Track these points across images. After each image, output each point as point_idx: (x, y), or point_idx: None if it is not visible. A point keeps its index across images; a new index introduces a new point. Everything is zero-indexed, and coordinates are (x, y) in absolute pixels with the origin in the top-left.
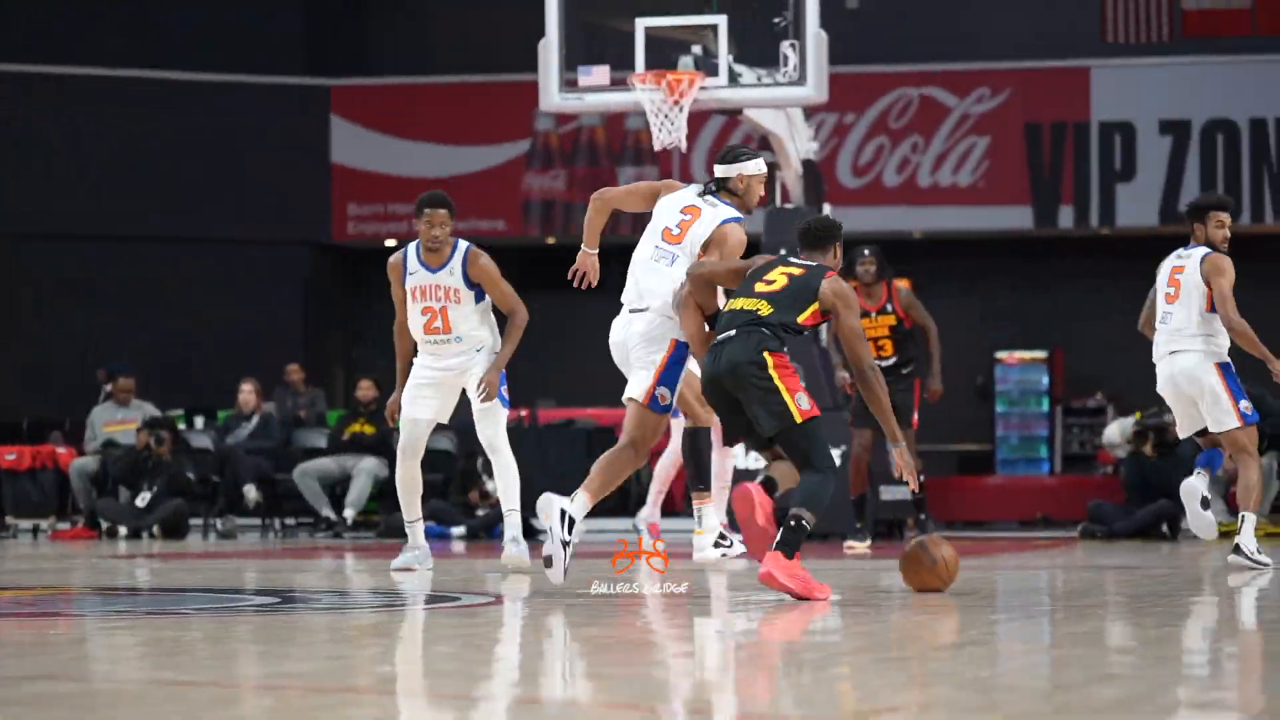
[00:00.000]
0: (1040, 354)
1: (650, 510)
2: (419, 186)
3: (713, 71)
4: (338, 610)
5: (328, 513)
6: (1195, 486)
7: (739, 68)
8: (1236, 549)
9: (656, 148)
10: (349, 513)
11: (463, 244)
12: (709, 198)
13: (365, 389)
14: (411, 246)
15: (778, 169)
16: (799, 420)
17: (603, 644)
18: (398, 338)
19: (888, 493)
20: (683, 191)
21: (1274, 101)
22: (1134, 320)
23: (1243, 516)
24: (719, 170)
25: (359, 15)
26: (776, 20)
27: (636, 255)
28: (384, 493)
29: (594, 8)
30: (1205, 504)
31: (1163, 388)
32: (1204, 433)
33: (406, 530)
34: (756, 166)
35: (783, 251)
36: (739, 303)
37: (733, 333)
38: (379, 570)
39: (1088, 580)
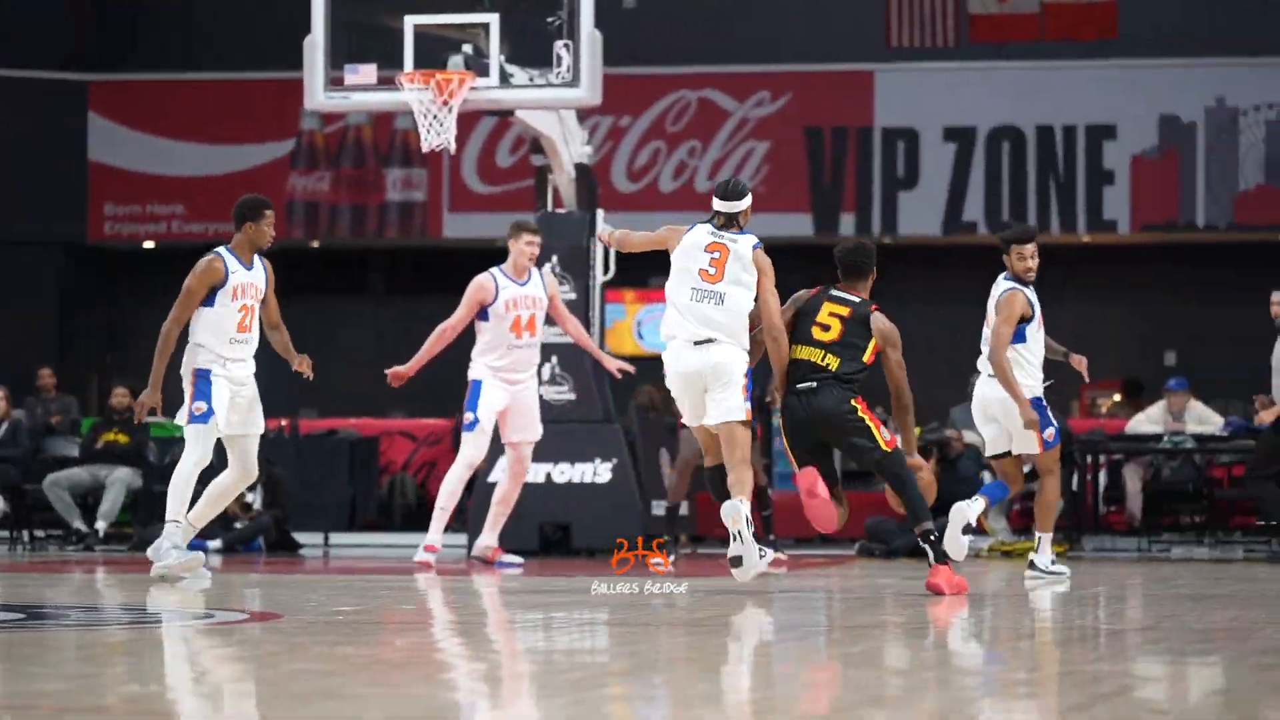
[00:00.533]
0: None
1: (491, 537)
2: (179, 186)
3: (484, 71)
4: (87, 627)
5: (79, 525)
6: (964, 511)
7: (511, 68)
8: (1032, 565)
9: (425, 149)
10: (101, 525)
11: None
12: (725, 233)
13: (119, 396)
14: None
15: (550, 172)
16: (887, 450)
17: (358, 663)
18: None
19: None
20: (695, 233)
21: (1061, 109)
22: (916, 331)
23: (1039, 538)
24: (726, 206)
25: (120, 9)
26: (550, 20)
27: (676, 297)
28: (137, 504)
29: (361, 5)
30: (968, 529)
31: (975, 409)
32: (1003, 456)
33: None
34: (750, 198)
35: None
36: (804, 352)
37: (813, 384)
38: (131, 585)
39: (865, 599)
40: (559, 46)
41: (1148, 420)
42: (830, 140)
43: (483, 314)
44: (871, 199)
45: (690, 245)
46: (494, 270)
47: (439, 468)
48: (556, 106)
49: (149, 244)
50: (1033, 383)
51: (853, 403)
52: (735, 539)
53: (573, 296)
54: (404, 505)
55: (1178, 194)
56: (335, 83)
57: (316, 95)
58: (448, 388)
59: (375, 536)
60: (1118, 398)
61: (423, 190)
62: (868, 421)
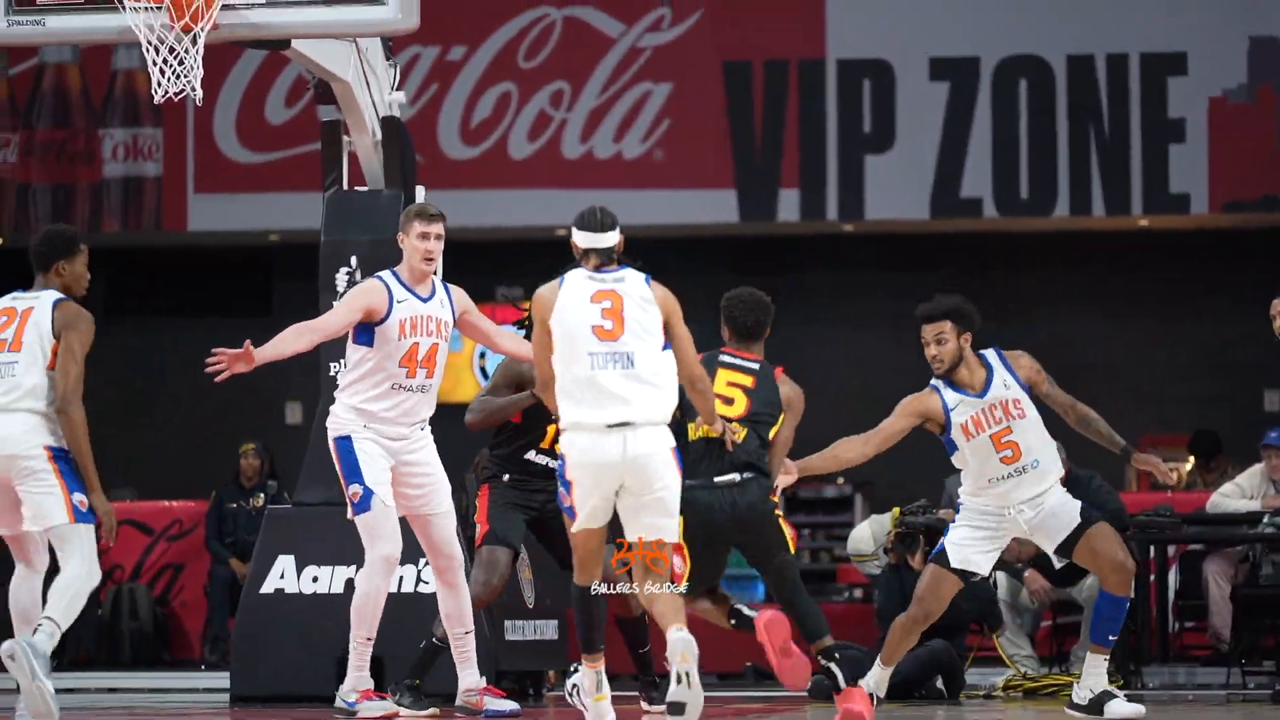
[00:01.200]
0: None
1: (472, 674)
2: None
3: None
4: None
5: None
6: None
7: None
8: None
9: (158, 99)
10: None
11: None
12: (606, 274)
13: None
14: None
15: (345, 133)
16: (792, 550)
17: None
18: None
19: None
20: (569, 286)
21: (1104, 29)
22: (891, 362)
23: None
24: (599, 240)
25: None
26: None
27: (570, 369)
28: None
29: None
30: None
31: None
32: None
33: None
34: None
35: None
36: (710, 432)
37: (736, 477)
38: None
39: None
40: None
41: (1238, 493)
42: (762, 80)
43: (362, 334)
44: (825, 167)
45: (569, 302)
46: (387, 274)
47: (189, 574)
48: (353, 33)
49: None
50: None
51: (773, 499)
52: (680, 680)
53: None
54: (135, 630)
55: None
56: (22, 0)
57: None
58: (197, 452)
59: (94, 677)
60: (1190, 464)
61: (157, 161)
62: (781, 518)
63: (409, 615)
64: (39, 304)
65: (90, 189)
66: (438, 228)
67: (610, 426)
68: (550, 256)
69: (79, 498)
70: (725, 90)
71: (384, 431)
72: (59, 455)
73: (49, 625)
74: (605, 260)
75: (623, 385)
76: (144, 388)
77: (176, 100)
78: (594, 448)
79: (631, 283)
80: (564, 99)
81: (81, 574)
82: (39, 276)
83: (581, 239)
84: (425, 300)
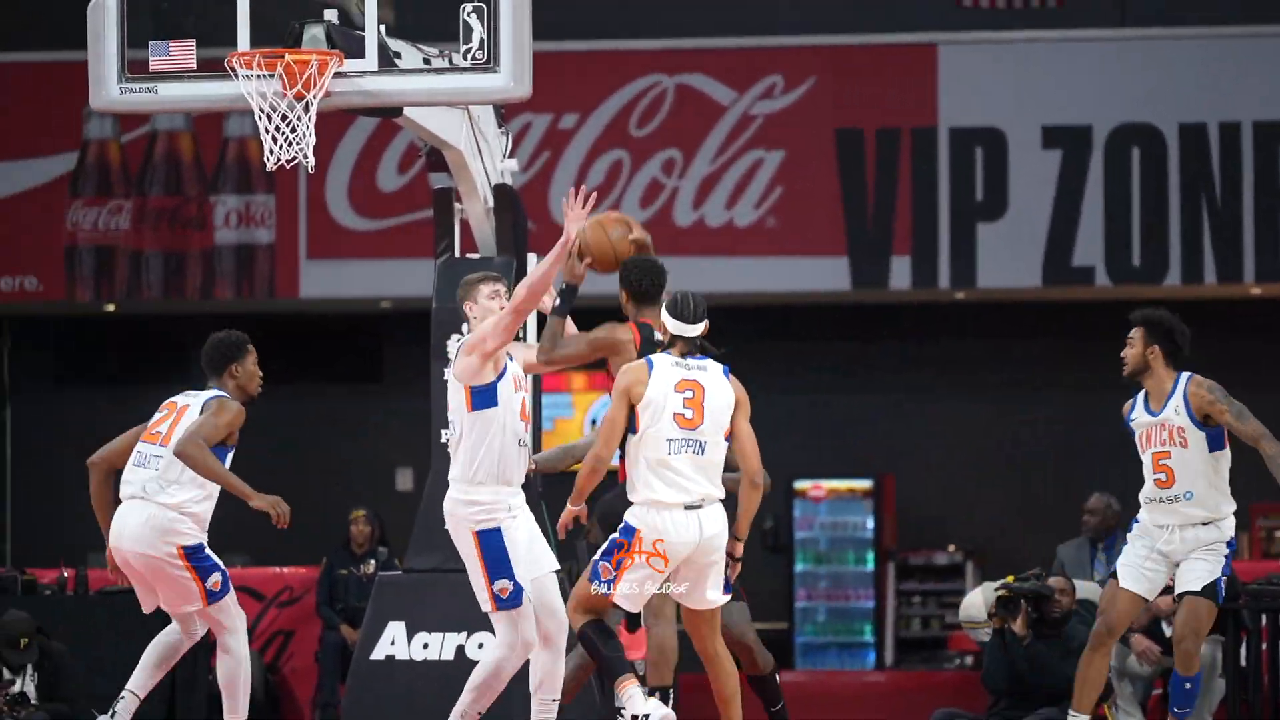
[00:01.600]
0: (862, 484)
1: None
2: None
3: (356, 50)
4: None
5: None
6: None
7: (397, 44)
8: None
9: (270, 166)
10: None
11: None
12: (692, 363)
13: None
14: None
15: (457, 200)
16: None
17: None
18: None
19: None
20: (659, 370)
21: (1218, 96)
22: (999, 430)
23: None
24: (690, 330)
25: None
26: None
27: (649, 450)
28: None
29: None
30: None
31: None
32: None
33: None
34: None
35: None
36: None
37: (699, 502)
38: None
39: None
40: (468, 11)
41: None
42: (874, 148)
43: (483, 396)
44: (937, 235)
45: (658, 389)
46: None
47: (299, 640)
48: (465, 101)
49: None
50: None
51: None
52: None
53: None
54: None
55: None
56: (135, 68)
57: (108, 87)
58: (310, 515)
59: None
60: None
61: (269, 228)
62: None
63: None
64: (195, 401)
65: (202, 256)
66: (503, 285)
67: (688, 507)
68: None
69: (214, 580)
70: (837, 157)
71: (514, 500)
72: (191, 553)
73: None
74: (691, 348)
75: (693, 470)
76: (255, 454)
77: (289, 168)
78: (674, 528)
79: (713, 374)
80: (676, 166)
81: (234, 655)
82: (212, 380)
83: (673, 326)
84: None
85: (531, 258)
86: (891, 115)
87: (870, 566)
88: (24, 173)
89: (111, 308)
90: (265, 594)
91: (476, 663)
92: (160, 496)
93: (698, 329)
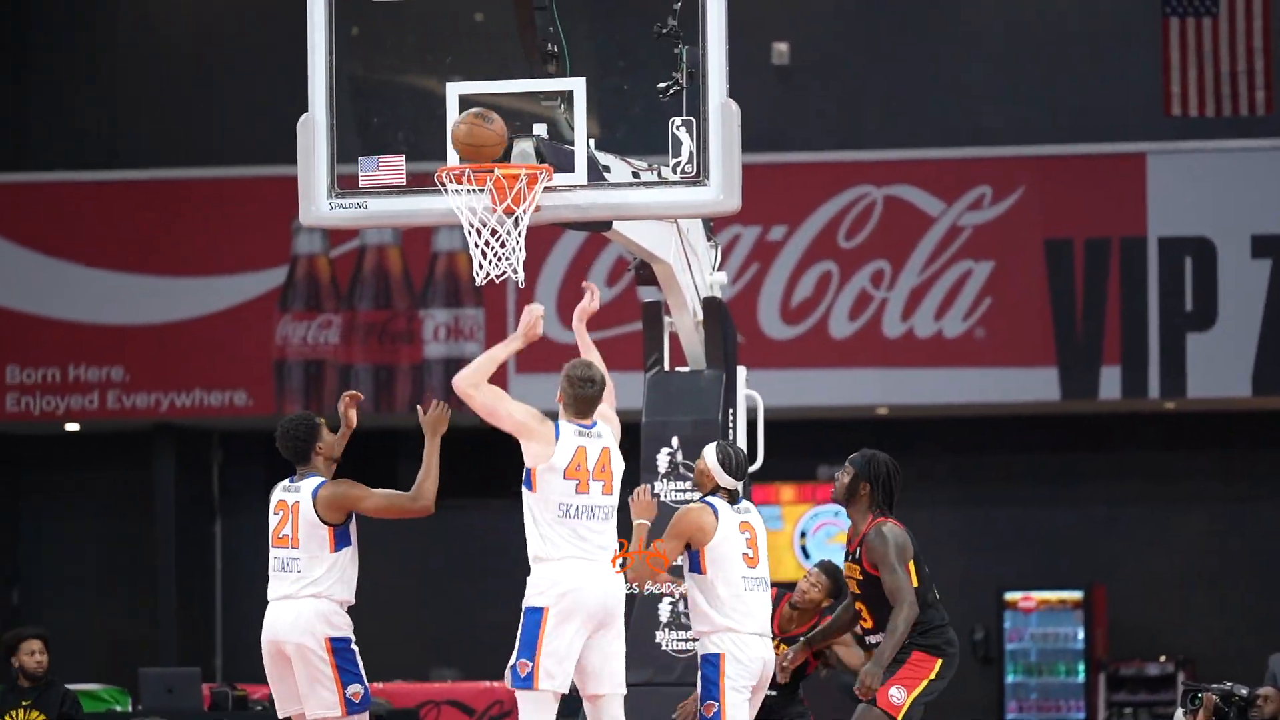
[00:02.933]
0: (1072, 595)
1: None
2: (112, 340)
3: (565, 165)
4: None
5: None
6: None
7: (606, 158)
8: None
9: (480, 281)
10: None
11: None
12: (744, 511)
13: (32, 656)
14: None
15: (666, 313)
16: None
17: None
18: None
19: None
20: (725, 516)
21: None
22: (1219, 542)
23: None
24: (736, 484)
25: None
26: (664, 86)
27: (723, 588)
28: None
29: (383, 66)
30: None
31: None
32: None
33: None
34: None
35: None
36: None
37: None
38: None
39: None
40: (677, 125)
41: None
42: (1083, 258)
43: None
44: (1147, 345)
45: (727, 532)
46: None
47: None
48: (674, 214)
49: (72, 425)
50: None
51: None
52: None
53: None
54: None
55: None
56: (345, 183)
57: (317, 203)
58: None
59: None
60: None
61: (479, 341)
62: None
63: None
64: (302, 496)
65: (412, 370)
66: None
67: (761, 635)
68: (871, 436)
69: (354, 690)
70: (1046, 267)
71: None
72: (338, 647)
73: None
74: (734, 497)
75: (765, 605)
76: (462, 567)
77: (498, 282)
78: (754, 653)
79: (757, 516)
80: (884, 278)
81: None
82: (299, 468)
83: (724, 480)
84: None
85: (741, 370)
86: (1100, 225)
87: (1081, 678)
88: (235, 288)
89: (322, 420)
90: (475, 708)
91: None
92: (307, 591)
93: (740, 481)
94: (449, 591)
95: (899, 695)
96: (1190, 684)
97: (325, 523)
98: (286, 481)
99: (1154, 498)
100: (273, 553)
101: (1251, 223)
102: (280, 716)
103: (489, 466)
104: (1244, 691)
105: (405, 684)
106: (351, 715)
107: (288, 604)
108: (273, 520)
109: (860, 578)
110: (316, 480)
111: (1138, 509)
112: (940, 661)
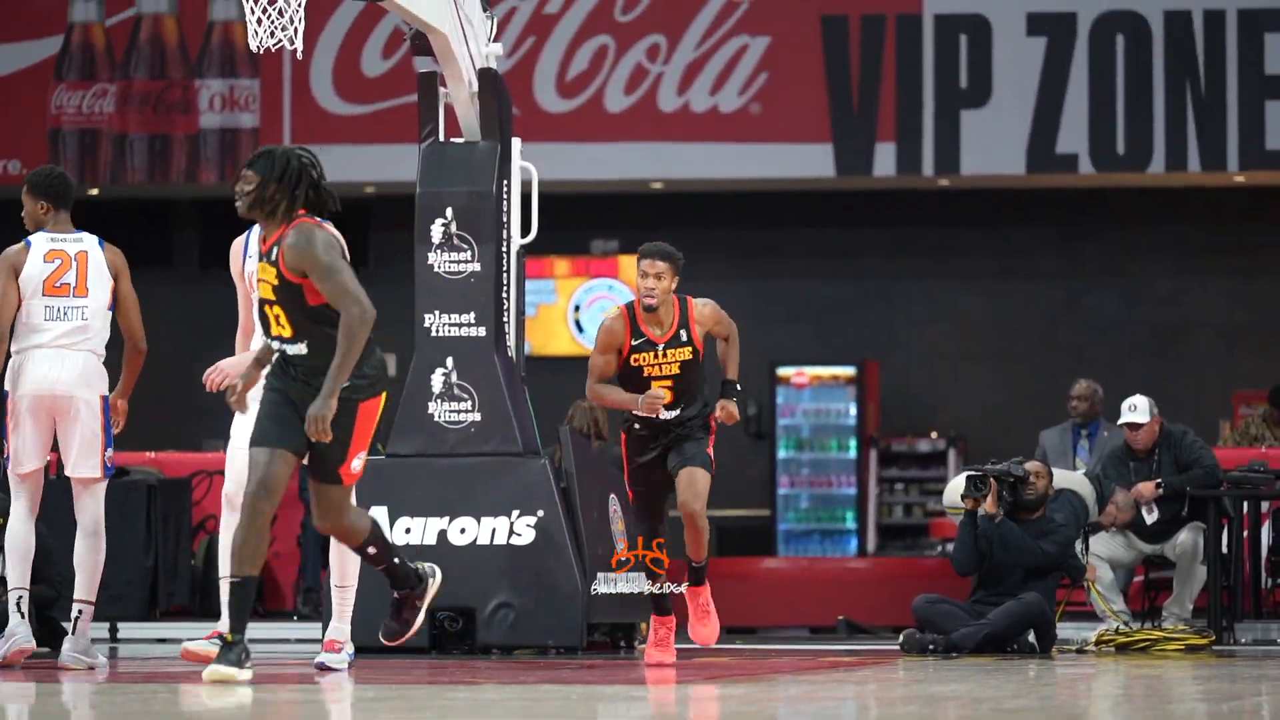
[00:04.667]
0: (845, 371)
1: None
2: None
3: None
4: None
5: None
6: None
7: None
8: None
9: (256, 48)
10: None
11: None
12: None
13: None
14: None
15: (441, 84)
16: None
17: None
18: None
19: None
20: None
21: None
22: (986, 318)
23: None
24: None
25: None
26: None
27: None
28: None
29: None
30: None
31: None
32: None
33: None
34: None
35: None
36: None
37: None
38: None
39: None
40: None
41: None
42: (859, 34)
43: None
44: (921, 122)
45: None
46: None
47: (282, 525)
48: None
49: None
50: None
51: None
52: None
53: (477, 268)
54: None
55: None
56: None
57: None
58: None
59: (188, 627)
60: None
61: (254, 112)
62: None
63: (515, 571)
64: (87, 246)
65: (187, 140)
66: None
67: None
68: (645, 209)
69: (110, 454)
70: (822, 44)
71: None
72: (105, 406)
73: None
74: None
75: None
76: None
77: (274, 51)
78: None
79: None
80: (660, 52)
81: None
82: (64, 214)
83: None
84: None
85: (515, 142)
86: (876, 2)
87: (853, 454)
88: (7, 56)
89: (95, 191)
90: None
91: (459, 546)
92: (85, 345)
93: None
94: (185, 361)
95: None
96: (973, 469)
97: (113, 279)
98: (50, 234)
99: (928, 274)
100: (43, 301)
101: (1027, 1)
102: (22, 470)
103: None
104: (1020, 472)
105: (175, 453)
106: (107, 478)
107: (66, 354)
108: (45, 267)
109: (276, 283)
110: (95, 236)
111: (912, 286)
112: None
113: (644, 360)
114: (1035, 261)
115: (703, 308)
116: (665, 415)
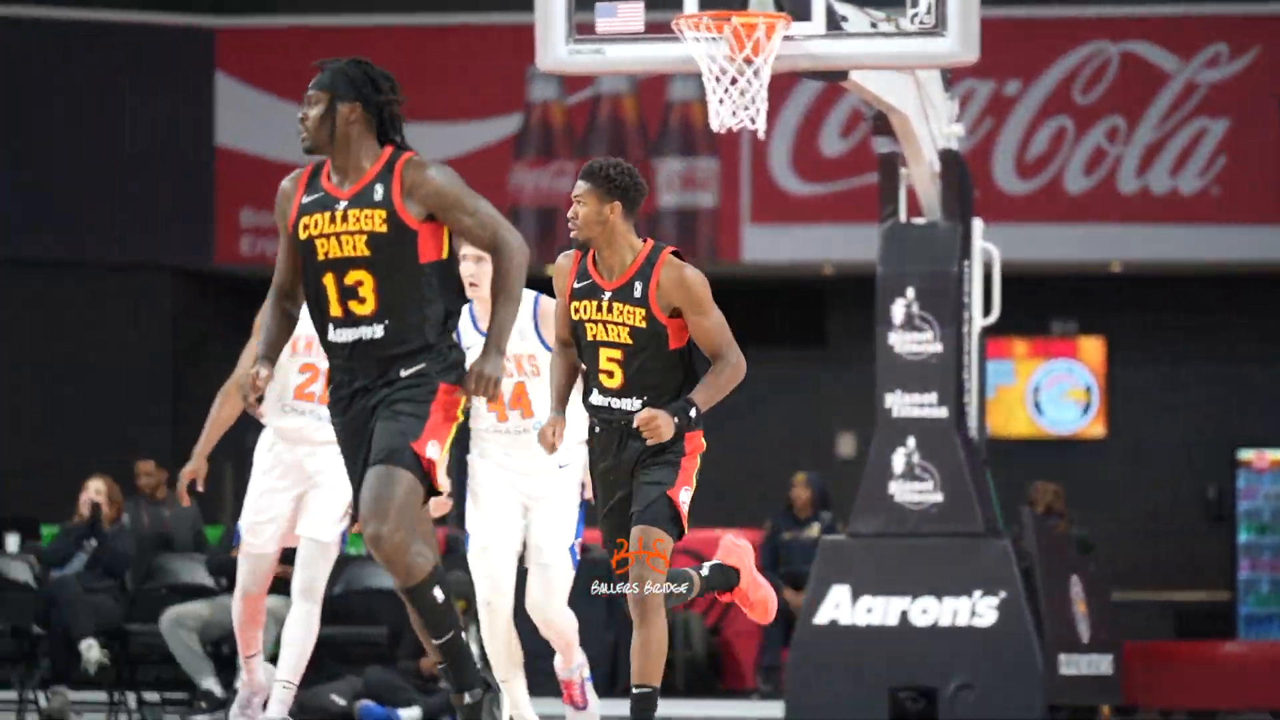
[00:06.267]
0: None
1: None
2: None
3: (802, 13)
4: None
5: (211, 685)
6: None
7: (843, 8)
8: None
9: (716, 128)
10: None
11: None
12: None
13: None
14: None
15: (902, 165)
16: None
17: None
18: None
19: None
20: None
21: None
22: None
23: None
24: None
25: None
26: None
27: None
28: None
29: None
30: None
31: None
32: None
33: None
34: None
35: None
36: None
37: None
38: None
39: None
40: None
41: None
42: None
43: None
44: None
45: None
46: None
47: None
48: (912, 65)
49: None
50: None
51: None
52: None
53: (938, 348)
54: (688, 659)
55: None
56: (582, 31)
57: (553, 49)
58: (753, 479)
59: None
60: None
61: (713, 192)
62: None
63: (976, 652)
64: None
65: (645, 219)
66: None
67: None
68: (1105, 290)
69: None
70: None
71: None
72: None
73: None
74: None
75: None
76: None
77: (734, 131)
78: None
79: None
80: (1120, 134)
81: None
82: None
83: None
84: None
85: (976, 223)
86: None
87: None
88: (468, 135)
89: (550, 269)
90: (706, 556)
91: (920, 627)
92: None
93: None
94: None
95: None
96: None
97: None
98: None
99: None
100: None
101: None
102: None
103: (736, 318)
104: None
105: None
106: None
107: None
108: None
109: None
110: None
111: None
112: None
113: (586, 311)
114: None
115: (671, 268)
116: (618, 404)
